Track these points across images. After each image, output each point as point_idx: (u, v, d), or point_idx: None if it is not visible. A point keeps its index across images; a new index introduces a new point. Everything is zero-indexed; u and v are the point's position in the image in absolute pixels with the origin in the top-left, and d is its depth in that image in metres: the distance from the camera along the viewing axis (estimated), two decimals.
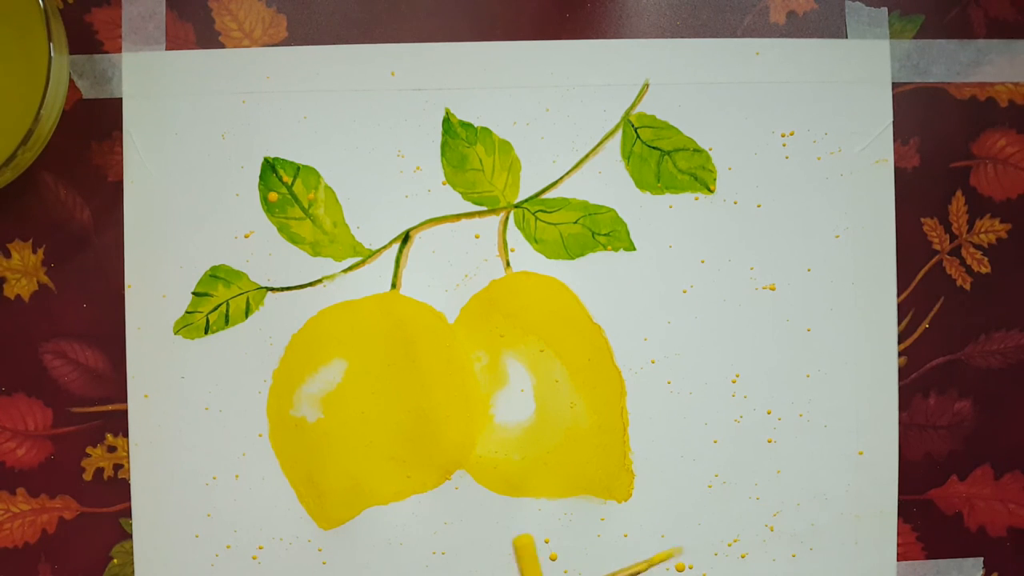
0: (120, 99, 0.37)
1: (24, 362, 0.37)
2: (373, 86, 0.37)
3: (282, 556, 0.37)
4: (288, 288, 0.37)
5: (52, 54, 0.32)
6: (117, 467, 0.37)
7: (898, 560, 0.38)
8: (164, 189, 0.37)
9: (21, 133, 0.32)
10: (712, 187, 0.38)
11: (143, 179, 0.37)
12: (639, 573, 0.34)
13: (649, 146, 0.38)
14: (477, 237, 0.37)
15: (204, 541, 0.37)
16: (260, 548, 0.37)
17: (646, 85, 0.38)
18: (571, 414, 0.38)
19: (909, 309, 0.39)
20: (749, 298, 0.38)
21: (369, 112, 0.37)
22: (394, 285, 0.37)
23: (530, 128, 0.38)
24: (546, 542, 0.38)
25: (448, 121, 0.38)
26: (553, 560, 0.38)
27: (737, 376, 0.38)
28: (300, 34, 0.37)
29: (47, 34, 0.32)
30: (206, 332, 0.37)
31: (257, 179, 0.37)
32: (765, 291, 0.38)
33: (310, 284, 0.37)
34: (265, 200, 0.37)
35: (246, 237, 0.37)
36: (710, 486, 0.38)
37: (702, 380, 0.38)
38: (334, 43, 0.37)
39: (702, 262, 0.38)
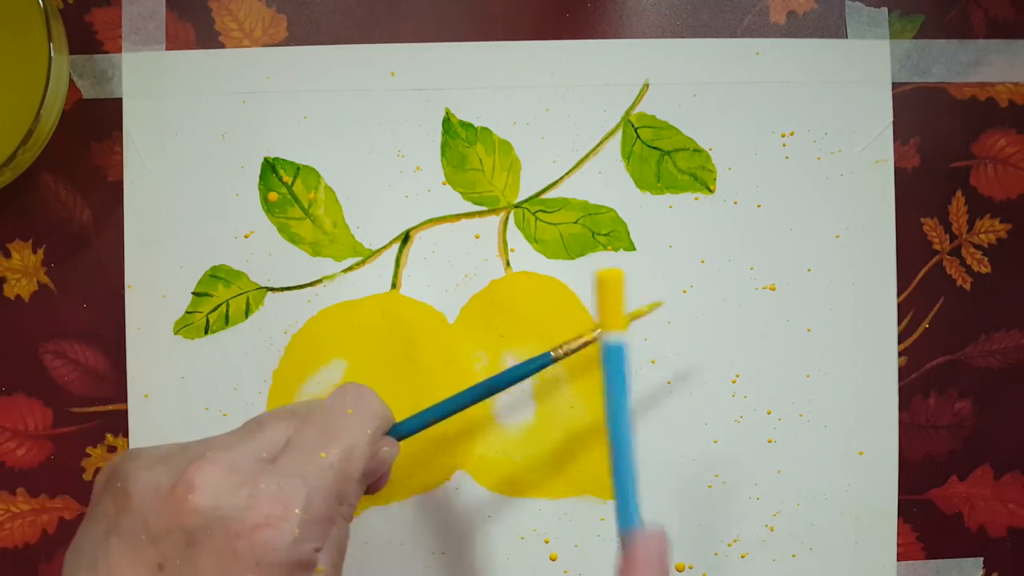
0: (120, 99, 0.37)
1: (24, 362, 0.37)
2: (373, 86, 0.37)
3: None
4: (288, 288, 0.37)
5: (52, 54, 0.32)
6: None
7: (898, 560, 0.38)
8: (164, 189, 0.37)
9: (21, 133, 0.32)
10: (712, 187, 0.38)
11: (143, 179, 0.37)
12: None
13: (649, 146, 0.38)
14: (477, 237, 0.37)
15: None
16: None
17: (646, 85, 0.38)
18: (571, 414, 0.38)
19: (909, 309, 0.39)
20: (749, 298, 0.38)
21: (369, 112, 0.37)
22: (394, 285, 0.37)
23: (530, 128, 0.38)
24: (546, 542, 0.38)
25: (448, 121, 0.38)
26: (553, 560, 0.38)
27: (737, 376, 0.38)
28: (300, 34, 0.37)
29: (47, 34, 0.32)
30: (206, 332, 0.37)
31: (257, 179, 0.37)
32: (765, 291, 0.38)
33: (310, 284, 0.37)
34: (265, 200, 0.37)
35: (246, 237, 0.37)
36: (710, 486, 0.38)
37: (702, 380, 0.38)
38: (334, 43, 0.37)
39: (702, 262, 0.38)
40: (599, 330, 0.27)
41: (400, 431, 0.29)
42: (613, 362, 0.26)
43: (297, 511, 0.23)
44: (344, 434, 0.26)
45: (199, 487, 0.23)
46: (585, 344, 0.31)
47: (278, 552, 0.23)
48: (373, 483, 0.29)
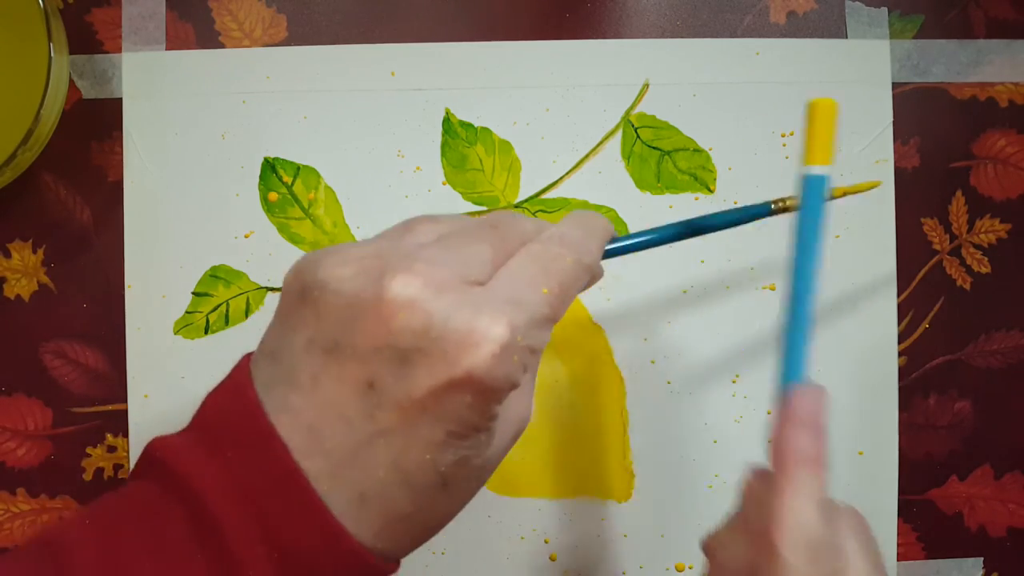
0: (120, 99, 0.37)
1: (24, 362, 0.37)
2: (373, 86, 0.37)
3: None
4: None
5: (52, 54, 0.32)
6: (117, 467, 0.37)
7: (898, 560, 0.38)
8: (164, 189, 0.37)
9: (21, 133, 0.32)
10: (712, 187, 0.38)
11: (143, 179, 0.37)
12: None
13: (649, 146, 0.38)
14: None
15: None
16: None
17: (646, 85, 0.38)
18: (571, 414, 0.38)
19: (909, 309, 0.39)
20: (749, 298, 0.38)
21: (369, 112, 0.37)
22: None
23: (530, 128, 0.38)
24: (546, 542, 0.38)
25: (448, 121, 0.38)
26: (553, 560, 0.38)
27: (737, 376, 0.38)
28: (300, 34, 0.37)
29: (47, 34, 0.32)
30: (206, 332, 0.37)
31: (257, 179, 0.37)
32: (765, 291, 0.38)
33: None
34: (265, 200, 0.37)
35: (246, 237, 0.37)
36: (710, 486, 0.38)
37: (702, 380, 0.38)
38: (334, 43, 0.37)
39: (702, 262, 0.38)
40: (803, 163, 0.26)
41: (610, 252, 0.28)
42: (812, 195, 0.25)
43: (520, 338, 0.21)
44: (563, 276, 0.24)
45: (410, 306, 0.21)
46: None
47: (498, 378, 0.21)
48: None
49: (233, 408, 0.22)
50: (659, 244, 0.28)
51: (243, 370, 0.23)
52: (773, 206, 0.29)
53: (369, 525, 0.22)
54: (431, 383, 0.21)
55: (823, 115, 0.25)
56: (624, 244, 0.28)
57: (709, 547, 0.27)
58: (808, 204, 0.25)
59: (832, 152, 0.25)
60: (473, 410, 0.21)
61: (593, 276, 0.26)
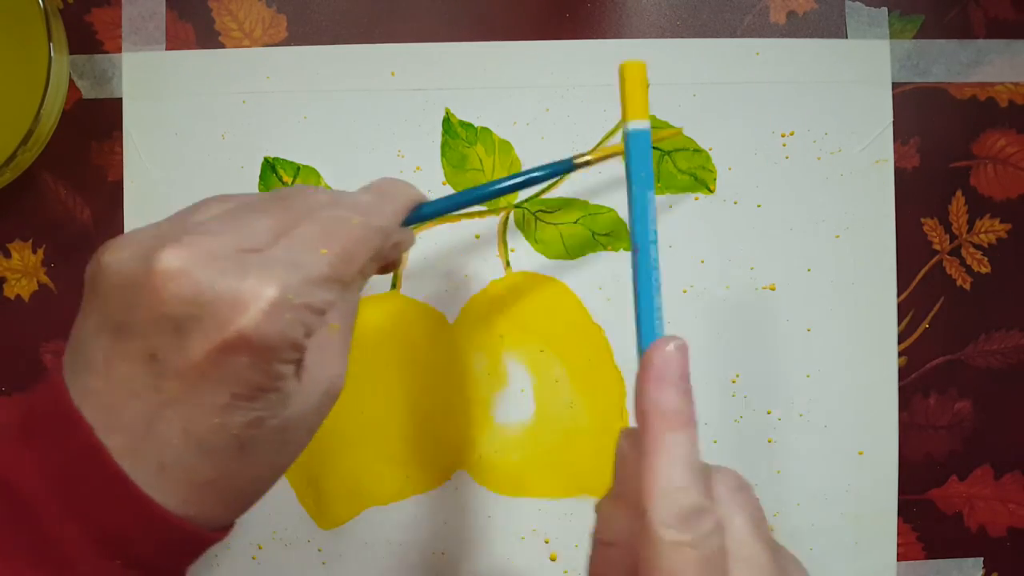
0: (120, 99, 0.37)
1: (24, 362, 0.37)
2: (373, 86, 0.37)
3: (282, 556, 0.37)
4: None
5: (52, 54, 0.32)
6: None
7: (898, 560, 0.38)
8: (164, 189, 0.37)
9: (21, 133, 0.32)
10: (712, 187, 0.38)
11: (143, 179, 0.37)
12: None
13: None
14: (477, 237, 0.37)
15: None
16: (260, 548, 0.37)
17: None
18: (571, 414, 0.38)
19: (909, 309, 0.39)
20: (749, 298, 0.38)
21: (369, 112, 0.37)
22: (394, 285, 0.37)
23: (530, 128, 0.38)
24: (546, 542, 0.38)
25: (448, 121, 0.38)
26: (553, 560, 0.38)
27: (737, 376, 0.38)
28: (300, 34, 0.37)
29: (47, 34, 0.32)
30: None
31: (257, 179, 0.37)
32: (765, 291, 0.38)
33: None
34: None
35: None
36: None
37: (702, 380, 0.38)
38: (334, 43, 0.37)
39: (702, 262, 0.38)
40: (623, 121, 0.26)
41: (418, 216, 0.28)
42: (638, 148, 0.25)
43: (291, 296, 0.22)
44: (346, 237, 0.24)
45: (179, 275, 0.22)
46: (608, 156, 0.30)
47: (271, 336, 0.22)
48: (387, 264, 0.29)
49: (44, 397, 0.23)
50: (468, 205, 0.30)
51: (56, 361, 0.24)
52: (575, 161, 0.30)
53: (174, 493, 0.22)
54: (206, 347, 0.21)
55: (632, 76, 0.26)
56: (431, 210, 0.29)
57: (596, 511, 0.27)
58: (635, 155, 0.26)
59: (646, 108, 0.26)
60: (254, 370, 0.22)
61: (390, 238, 0.26)
